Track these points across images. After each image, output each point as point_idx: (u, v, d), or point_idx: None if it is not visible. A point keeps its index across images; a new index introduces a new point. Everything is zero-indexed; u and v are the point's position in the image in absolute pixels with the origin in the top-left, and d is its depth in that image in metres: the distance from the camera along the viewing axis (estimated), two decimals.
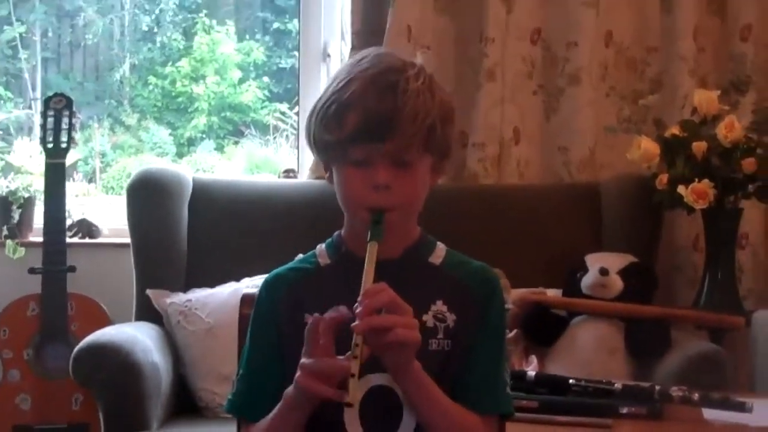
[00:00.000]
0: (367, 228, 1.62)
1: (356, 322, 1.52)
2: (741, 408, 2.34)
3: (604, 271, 3.25)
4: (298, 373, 1.56)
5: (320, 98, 1.68)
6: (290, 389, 1.61)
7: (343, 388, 1.51)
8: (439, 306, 1.69)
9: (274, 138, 4.86)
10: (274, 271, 1.77)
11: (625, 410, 2.41)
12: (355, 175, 1.64)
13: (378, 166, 1.62)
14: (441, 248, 1.76)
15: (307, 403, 1.59)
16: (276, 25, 5.12)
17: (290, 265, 1.78)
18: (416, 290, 1.61)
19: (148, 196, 3.48)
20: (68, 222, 3.74)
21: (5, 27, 4.83)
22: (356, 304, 1.53)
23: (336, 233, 1.77)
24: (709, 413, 2.40)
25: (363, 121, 1.61)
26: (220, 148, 4.93)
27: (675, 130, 3.40)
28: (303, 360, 1.56)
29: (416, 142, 1.62)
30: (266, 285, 1.76)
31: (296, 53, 4.31)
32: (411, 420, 1.66)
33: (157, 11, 5.07)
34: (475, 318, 1.69)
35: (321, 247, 1.78)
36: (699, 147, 3.30)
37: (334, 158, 1.68)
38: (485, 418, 1.68)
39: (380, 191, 1.62)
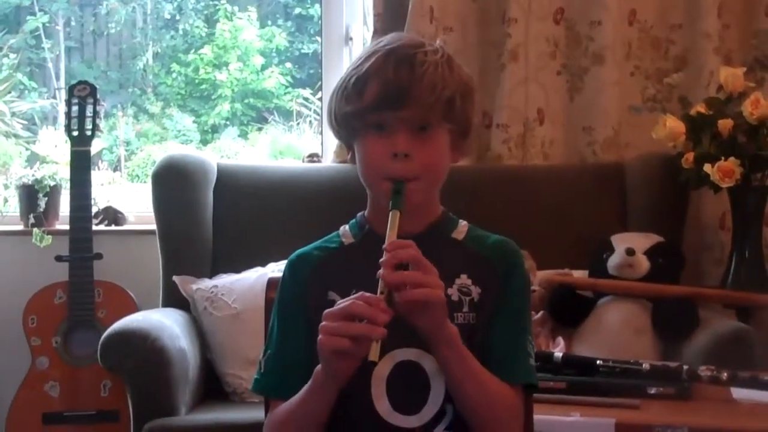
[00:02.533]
0: (389, 200, 1.63)
1: (380, 271, 1.54)
2: None
3: (630, 251, 3.23)
4: (319, 336, 1.56)
5: (341, 78, 1.72)
6: (318, 368, 1.61)
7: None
8: (464, 279, 1.70)
9: (298, 124, 4.87)
10: (298, 251, 1.79)
11: (653, 390, 2.41)
12: (376, 145, 1.66)
13: (397, 133, 1.65)
14: (463, 224, 1.78)
15: (333, 381, 1.60)
16: (298, 10, 5.12)
17: (314, 244, 1.79)
18: (440, 265, 1.60)
19: (173, 182, 3.49)
20: (94, 210, 3.75)
21: (28, 17, 4.85)
22: (381, 259, 1.54)
23: (359, 214, 1.79)
24: (738, 392, 2.39)
25: (382, 91, 1.64)
26: (243, 135, 4.94)
27: (700, 108, 3.37)
28: (323, 323, 1.56)
29: (435, 111, 1.65)
30: (291, 264, 1.77)
31: (318, 38, 4.31)
32: (439, 395, 1.66)
33: None
34: (498, 289, 1.71)
35: (344, 227, 1.79)
36: (725, 125, 3.27)
37: (354, 130, 1.70)
38: (513, 389, 1.68)
39: (400, 160, 1.64)
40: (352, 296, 1.56)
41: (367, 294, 1.55)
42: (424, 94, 1.63)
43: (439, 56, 1.67)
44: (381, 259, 1.55)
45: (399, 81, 1.63)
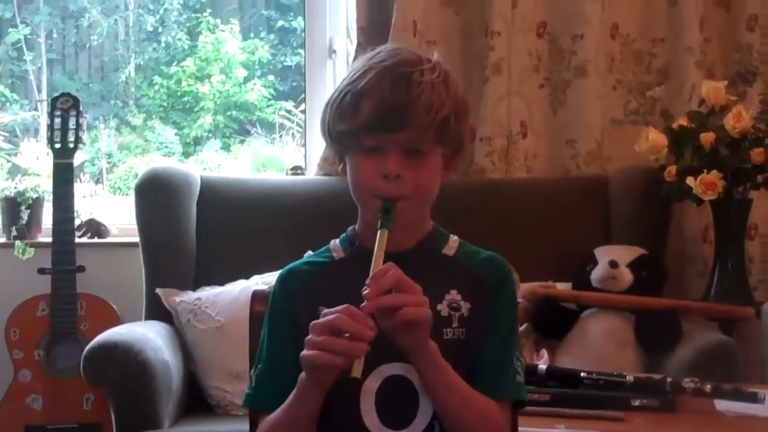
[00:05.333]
0: (378, 217, 1.63)
1: (364, 303, 1.53)
2: (753, 399, 2.33)
3: (613, 264, 3.24)
4: (303, 351, 1.56)
5: (336, 89, 1.70)
6: (303, 374, 1.61)
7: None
8: (453, 295, 1.69)
9: (280, 136, 4.86)
10: (289, 266, 1.78)
11: (636, 402, 2.41)
12: (367, 164, 1.65)
13: (390, 155, 1.63)
14: (454, 240, 1.77)
15: (316, 387, 1.59)
16: (280, 23, 5.12)
17: (304, 259, 1.79)
18: (430, 280, 1.61)
19: (156, 194, 3.48)
20: (77, 222, 3.74)
21: (10, 29, 4.84)
22: (364, 287, 1.54)
23: (350, 228, 1.78)
24: (721, 404, 2.39)
25: (377, 111, 1.62)
26: (226, 147, 4.94)
27: (683, 121, 3.39)
28: (309, 336, 1.56)
29: (429, 134, 1.63)
30: (281, 279, 1.76)
31: (301, 51, 4.31)
32: (428, 409, 1.66)
33: (161, 11, 5.07)
34: (488, 305, 1.70)
35: (335, 242, 1.78)
36: (707, 138, 3.29)
37: (347, 147, 1.69)
38: (499, 404, 1.68)
39: (391, 180, 1.63)
40: (337, 308, 1.55)
41: (353, 307, 1.53)
42: (419, 116, 1.61)
43: (435, 75, 1.64)
44: (364, 291, 1.53)
45: (395, 102, 1.61)
